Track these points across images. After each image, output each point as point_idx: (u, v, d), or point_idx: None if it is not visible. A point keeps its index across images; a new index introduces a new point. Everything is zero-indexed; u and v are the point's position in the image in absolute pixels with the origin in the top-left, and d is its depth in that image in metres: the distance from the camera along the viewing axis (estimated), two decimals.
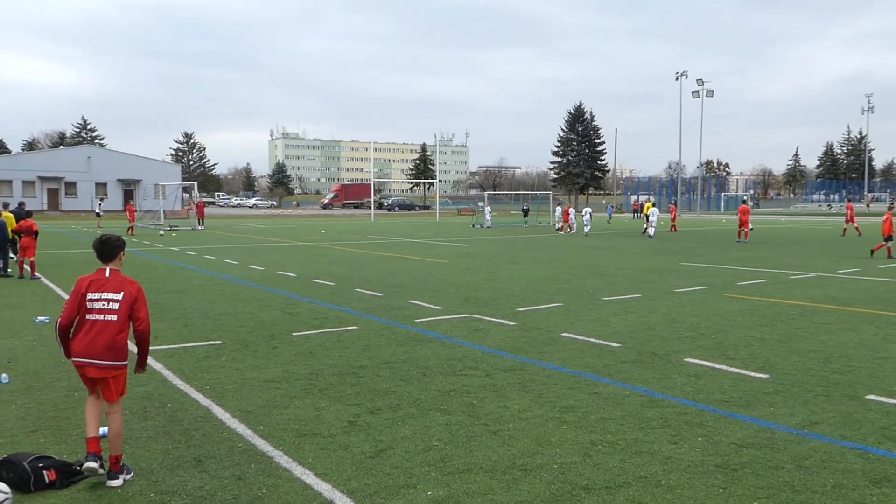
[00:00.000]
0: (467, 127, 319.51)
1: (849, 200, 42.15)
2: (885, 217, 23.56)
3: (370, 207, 72.69)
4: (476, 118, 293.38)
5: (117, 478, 5.01)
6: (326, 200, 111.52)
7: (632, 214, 70.98)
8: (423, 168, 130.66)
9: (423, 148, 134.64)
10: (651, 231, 35.84)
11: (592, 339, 9.65)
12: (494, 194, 75.24)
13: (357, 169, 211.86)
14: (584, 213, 40.63)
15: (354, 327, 10.54)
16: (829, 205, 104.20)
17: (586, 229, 39.12)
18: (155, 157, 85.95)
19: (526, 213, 52.38)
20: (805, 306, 12.64)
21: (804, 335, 10.01)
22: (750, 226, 32.77)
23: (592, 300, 13.35)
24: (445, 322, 11.00)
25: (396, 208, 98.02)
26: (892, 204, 27.42)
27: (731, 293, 14.39)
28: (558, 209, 44.17)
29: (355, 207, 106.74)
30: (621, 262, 21.61)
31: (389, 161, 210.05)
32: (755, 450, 5.55)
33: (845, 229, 37.10)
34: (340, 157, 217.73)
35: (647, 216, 37.15)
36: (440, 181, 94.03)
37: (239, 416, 6.39)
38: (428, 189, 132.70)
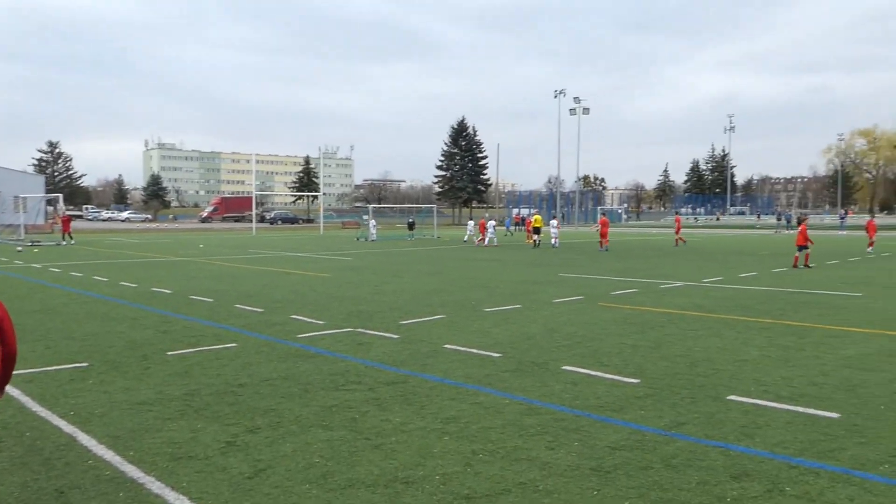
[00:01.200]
0: (352, 140, 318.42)
1: (677, 214, 45.39)
2: (800, 228, 24.55)
3: (251, 221, 70.92)
4: (361, 131, 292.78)
5: None
6: (205, 213, 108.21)
7: (514, 227, 72.79)
8: (306, 181, 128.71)
9: (307, 160, 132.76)
10: (555, 241, 38.63)
11: (474, 350, 9.80)
12: (379, 207, 75.26)
13: (238, 181, 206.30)
14: (488, 227, 41.66)
15: (234, 344, 10.24)
16: (695, 217, 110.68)
17: (494, 241, 40.31)
18: (15, 167, 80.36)
19: (411, 226, 52.70)
20: (673, 314, 13.35)
21: (672, 341, 10.57)
22: (606, 237, 35.47)
23: (475, 311, 13.56)
24: (328, 337, 10.88)
25: (279, 222, 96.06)
26: (804, 216, 28.91)
27: (605, 302, 14.99)
28: (471, 222, 44.68)
29: (236, 221, 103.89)
30: (504, 274, 22.08)
31: (272, 173, 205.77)
32: (627, 451, 5.80)
33: (677, 240, 39.51)
34: (220, 169, 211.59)
35: (537, 229, 38.65)
36: (324, 194, 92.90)
37: (106, 441, 6.07)
38: (312, 202, 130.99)
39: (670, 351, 9.82)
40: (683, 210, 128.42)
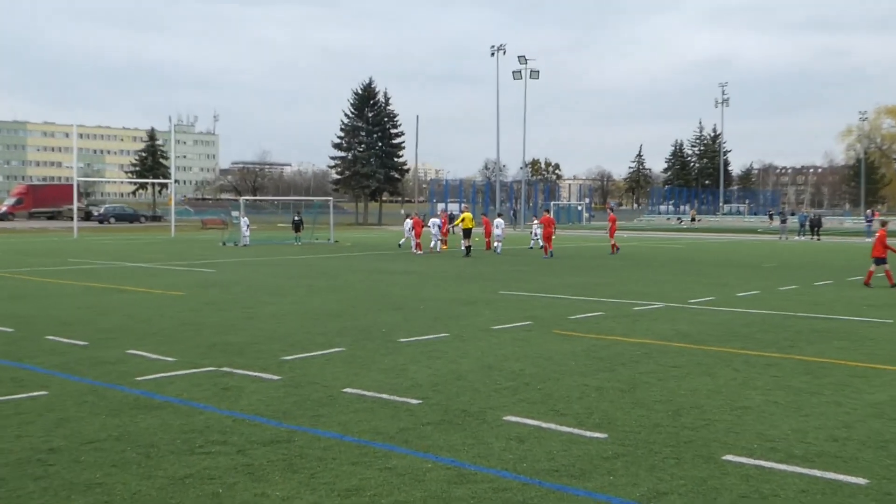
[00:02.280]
0: (217, 108, 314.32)
1: (611, 211, 47.45)
2: (878, 234, 24.72)
3: (72, 218, 69.08)
4: (230, 97, 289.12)
5: None
6: (4, 208, 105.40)
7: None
8: (151, 163, 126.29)
9: (153, 135, 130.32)
10: (498, 246, 40.27)
11: (385, 396, 9.75)
12: (255, 200, 74.48)
13: (53, 163, 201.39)
14: (430, 226, 41.98)
15: (42, 392, 9.95)
16: (678, 218, 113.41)
17: (437, 246, 41.05)
18: None
19: (297, 226, 52.20)
20: (651, 345, 13.62)
21: (650, 382, 10.76)
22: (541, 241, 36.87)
23: (386, 343, 13.53)
24: (181, 379, 10.68)
25: (112, 219, 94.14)
26: (885, 220, 28.91)
27: (562, 329, 15.16)
28: (408, 221, 44.20)
29: (49, 218, 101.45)
30: (426, 290, 22.11)
31: (102, 152, 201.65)
32: None
33: (613, 247, 41.22)
34: (27, 146, 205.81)
35: (468, 231, 39.02)
36: (177, 182, 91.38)
37: None
38: (160, 193, 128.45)
39: (647, 395, 9.98)
40: (663, 207, 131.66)
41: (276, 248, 44.93)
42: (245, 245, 45.83)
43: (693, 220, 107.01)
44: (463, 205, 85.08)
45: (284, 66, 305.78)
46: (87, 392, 9.98)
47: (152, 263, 32.32)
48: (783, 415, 9.15)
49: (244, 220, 47.94)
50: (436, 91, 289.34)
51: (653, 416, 9.03)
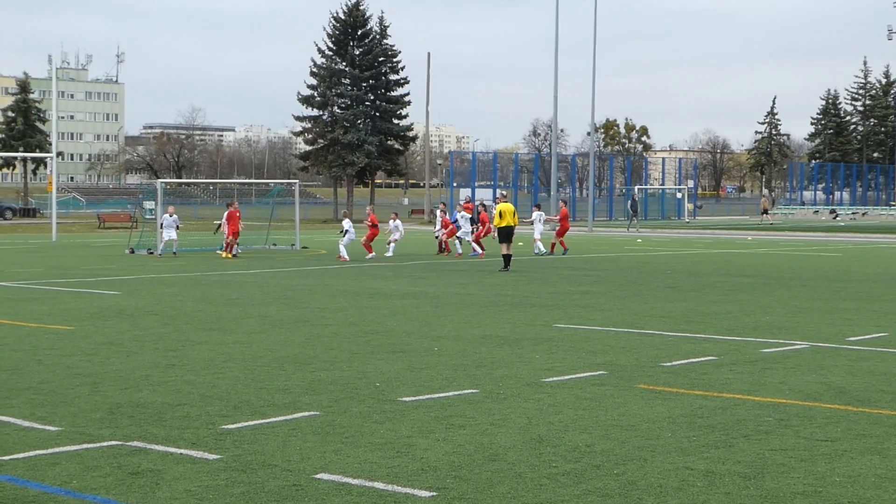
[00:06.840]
0: (121, 42, 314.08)
1: (564, 204, 50.36)
2: None
3: None
4: (140, 25, 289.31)
5: None
6: None
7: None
8: (22, 128, 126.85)
9: (25, 85, 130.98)
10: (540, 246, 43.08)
11: (380, 485, 9.72)
12: (180, 184, 74.45)
13: None
14: (460, 221, 43.66)
15: None
16: (832, 210, 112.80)
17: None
18: None
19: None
20: (788, 406, 13.56)
21: (787, 464, 10.68)
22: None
23: (381, 404, 13.55)
24: (68, 458, 10.68)
25: None
26: None
27: (651, 383, 15.15)
28: (391, 223, 44.69)
29: None
30: (442, 322, 22.16)
31: None
32: None
33: (553, 245, 45.24)
34: None
35: (507, 231, 39.10)
36: (61, 157, 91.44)
37: None
38: (34, 173, 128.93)
39: (783, 485, 9.91)
40: (808, 193, 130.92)
41: (210, 258, 44.91)
42: (167, 253, 45.57)
43: (766, 212, 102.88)
44: (500, 192, 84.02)
45: None
46: None
47: (24, 281, 32.50)
48: None
49: (166, 217, 46.67)
50: (456, 16, 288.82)
51: None
